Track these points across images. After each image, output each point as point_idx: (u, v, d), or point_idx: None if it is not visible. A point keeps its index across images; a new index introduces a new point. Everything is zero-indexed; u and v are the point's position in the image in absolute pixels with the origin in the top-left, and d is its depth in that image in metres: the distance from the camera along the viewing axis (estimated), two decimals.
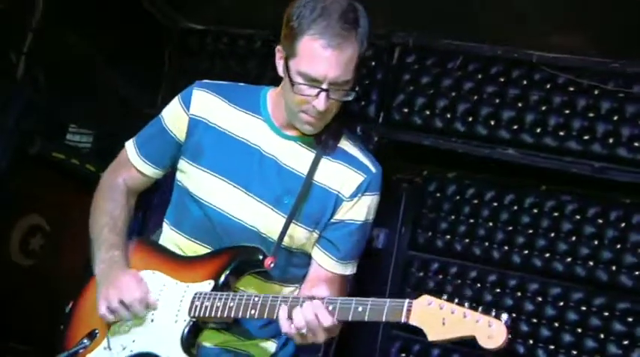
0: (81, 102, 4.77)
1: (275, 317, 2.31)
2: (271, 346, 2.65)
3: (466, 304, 2.11)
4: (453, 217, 4.73)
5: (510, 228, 4.60)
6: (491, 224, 4.64)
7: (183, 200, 2.60)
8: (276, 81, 5.07)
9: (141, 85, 5.27)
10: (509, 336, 2.06)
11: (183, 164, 2.60)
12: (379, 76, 4.78)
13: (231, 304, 2.36)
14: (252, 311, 2.34)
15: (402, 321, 2.14)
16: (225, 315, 2.37)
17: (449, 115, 4.63)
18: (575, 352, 4.33)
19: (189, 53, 5.40)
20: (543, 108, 4.47)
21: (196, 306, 2.41)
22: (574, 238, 4.45)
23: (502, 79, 4.58)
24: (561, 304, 4.40)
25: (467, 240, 4.67)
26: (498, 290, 4.54)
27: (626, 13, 3.88)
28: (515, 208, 4.62)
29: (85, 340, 2.55)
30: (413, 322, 2.13)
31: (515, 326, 4.37)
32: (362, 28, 2.37)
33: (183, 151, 2.60)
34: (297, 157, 2.51)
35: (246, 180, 2.50)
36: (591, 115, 4.38)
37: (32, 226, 4.74)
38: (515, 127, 4.50)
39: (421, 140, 4.65)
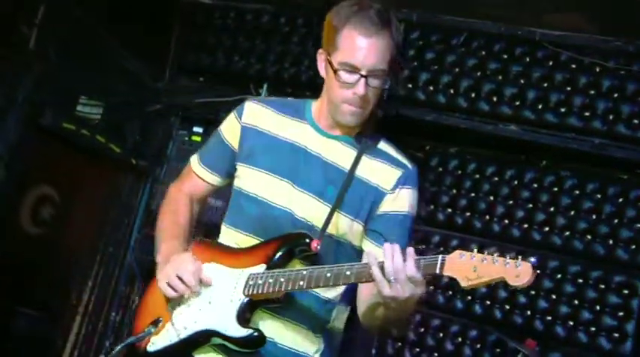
0: (91, 74, 4.84)
1: (321, 285, 2.54)
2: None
3: (495, 254, 2.28)
4: (454, 191, 4.80)
5: (510, 202, 4.67)
6: (491, 198, 4.71)
7: (239, 202, 2.81)
8: (282, 54, 5.15)
9: (149, 59, 5.34)
10: (537, 273, 2.25)
11: (238, 168, 2.83)
12: None
13: (282, 279, 2.57)
14: (301, 282, 2.55)
15: (437, 272, 2.34)
16: (276, 289, 2.58)
17: (452, 91, 4.70)
18: (571, 323, 4.41)
19: (197, 28, 5.46)
20: (545, 85, 4.53)
21: (250, 285, 2.63)
22: (572, 213, 4.53)
23: (505, 56, 4.63)
24: (559, 276, 4.48)
25: (467, 213, 4.75)
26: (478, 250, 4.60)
27: None
28: (516, 182, 4.68)
29: (151, 327, 2.76)
30: (447, 273, 2.32)
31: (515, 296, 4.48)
32: (395, 25, 2.64)
33: (237, 156, 2.84)
34: (340, 154, 2.74)
35: (293, 175, 2.72)
36: (592, 92, 4.44)
37: (42, 196, 4.83)
38: (518, 103, 4.56)
39: (424, 116, 4.72)
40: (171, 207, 2.97)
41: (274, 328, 2.71)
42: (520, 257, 2.26)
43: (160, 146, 5.42)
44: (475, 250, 2.32)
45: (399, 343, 4.76)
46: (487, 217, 4.71)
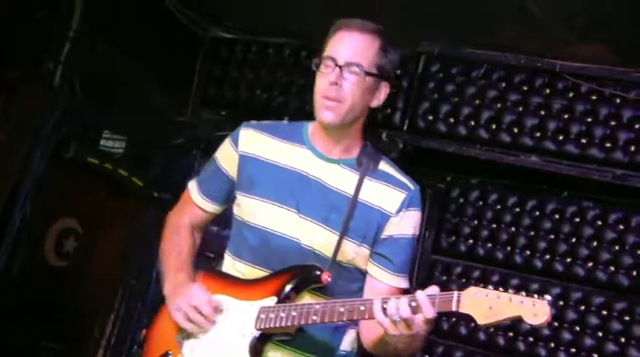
0: (114, 109, 4.90)
1: (335, 320, 2.52)
2: None
3: (510, 290, 2.29)
4: (475, 222, 4.80)
5: (532, 233, 4.65)
6: (513, 229, 4.69)
7: (241, 231, 2.81)
8: (304, 88, 5.19)
9: (172, 93, 5.41)
10: (553, 313, 2.25)
11: (238, 198, 2.83)
12: (405, 85, 4.87)
13: (294, 314, 2.57)
14: (314, 317, 2.54)
15: (453, 309, 2.33)
16: (289, 324, 2.57)
17: (473, 123, 4.70)
18: (596, 356, 4.36)
19: (219, 62, 5.51)
20: (566, 116, 4.52)
21: (262, 319, 2.62)
22: (595, 244, 4.50)
23: (525, 88, 4.64)
24: (582, 308, 4.45)
25: (489, 244, 4.73)
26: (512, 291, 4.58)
27: None
28: (537, 213, 4.67)
29: None
30: (463, 310, 2.32)
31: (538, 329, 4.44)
32: (382, 35, 2.74)
33: (237, 186, 2.83)
34: (340, 178, 2.74)
35: (296, 202, 2.71)
36: (613, 123, 4.42)
37: (66, 229, 4.87)
38: (538, 134, 4.56)
39: (445, 147, 4.73)
40: (173, 238, 2.97)
41: None
42: (536, 295, 2.27)
43: (182, 179, 5.44)
44: (491, 287, 2.32)
45: None
46: (509, 248, 4.69)
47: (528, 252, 4.64)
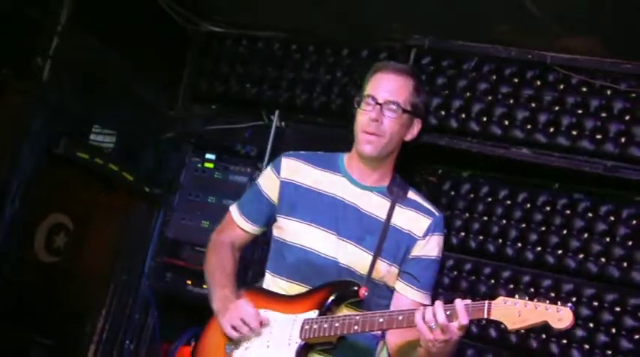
0: (104, 103, 4.89)
1: (375, 329, 2.82)
2: None
3: (535, 300, 2.59)
4: (467, 214, 4.82)
5: (523, 225, 4.68)
6: (504, 222, 4.72)
7: (281, 251, 3.10)
8: (294, 82, 5.18)
9: (162, 87, 5.41)
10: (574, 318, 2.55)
11: (279, 220, 3.12)
12: None
13: (337, 324, 2.85)
14: (356, 327, 2.82)
15: (484, 317, 2.63)
16: (332, 334, 2.86)
17: (464, 116, 4.72)
18: (587, 347, 4.40)
19: (209, 56, 5.51)
20: (556, 108, 4.55)
21: (306, 329, 2.91)
22: (586, 236, 4.53)
23: (516, 80, 4.67)
24: (573, 299, 4.47)
25: (481, 237, 4.76)
26: (512, 286, 4.61)
27: (638, 16, 3.94)
28: (528, 205, 4.70)
29: None
30: (494, 317, 2.62)
31: None
32: (416, 77, 3.10)
33: (277, 209, 3.13)
34: (374, 204, 3.04)
35: (335, 225, 3.01)
36: (604, 115, 4.45)
37: (57, 225, 4.86)
38: (529, 127, 4.58)
39: (436, 140, 4.74)
40: (217, 256, 3.25)
41: None
42: (559, 302, 2.57)
43: (172, 174, 5.45)
44: (517, 296, 2.61)
45: None
46: (500, 240, 4.72)
47: (520, 244, 4.67)
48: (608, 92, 4.45)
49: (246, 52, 5.39)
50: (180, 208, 5.36)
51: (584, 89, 4.51)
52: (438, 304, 2.67)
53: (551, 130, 4.53)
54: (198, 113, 5.51)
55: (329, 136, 4.88)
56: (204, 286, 4.91)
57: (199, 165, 5.37)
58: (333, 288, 2.94)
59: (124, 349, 5.32)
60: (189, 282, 5.13)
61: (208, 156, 5.35)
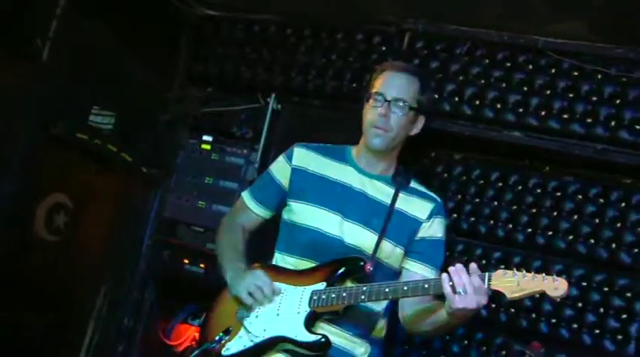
0: (103, 85, 4.93)
1: (382, 298, 3.07)
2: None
3: (532, 272, 2.81)
4: (459, 196, 4.86)
5: (514, 207, 4.72)
6: (495, 204, 4.77)
7: (292, 232, 3.36)
8: (290, 66, 5.22)
9: (159, 70, 5.44)
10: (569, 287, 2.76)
11: (290, 204, 3.39)
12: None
13: (344, 294, 3.10)
14: (362, 297, 3.07)
15: (485, 287, 2.84)
16: (339, 303, 3.11)
17: (456, 99, 4.77)
18: (575, 326, 4.47)
19: (205, 39, 5.54)
20: (548, 92, 4.60)
21: (314, 299, 3.16)
22: (576, 217, 4.58)
23: (508, 64, 4.71)
24: None
25: (472, 219, 4.81)
26: (503, 267, 4.56)
27: (628, 1, 3.98)
28: (520, 188, 4.74)
29: (223, 335, 3.24)
30: (494, 287, 2.83)
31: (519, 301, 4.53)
32: (422, 76, 3.37)
33: (288, 194, 3.40)
34: (379, 191, 3.33)
35: (341, 208, 3.28)
36: (594, 98, 4.50)
37: (56, 204, 4.90)
38: (521, 110, 4.64)
39: (429, 123, 4.77)
40: (230, 235, 3.52)
41: (330, 334, 3.15)
42: (554, 274, 2.77)
43: (170, 155, 5.50)
44: (514, 268, 2.83)
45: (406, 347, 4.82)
46: (491, 222, 4.77)
47: (510, 226, 4.72)
48: (599, 76, 4.50)
49: (242, 35, 5.42)
50: (177, 188, 5.43)
51: (575, 73, 4.56)
52: (459, 267, 2.89)
53: (543, 113, 4.59)
54: (194, 95, 5.55)
55: (324, 119, 4.95)
56: (201, 265, 5.09)
57: (196, 147, 5.43)
58: (341, 263, 3.18)
59: (123, 327, 5.40)
60: (185, 261, 5.20)
61: (205, 138, 5.41)
